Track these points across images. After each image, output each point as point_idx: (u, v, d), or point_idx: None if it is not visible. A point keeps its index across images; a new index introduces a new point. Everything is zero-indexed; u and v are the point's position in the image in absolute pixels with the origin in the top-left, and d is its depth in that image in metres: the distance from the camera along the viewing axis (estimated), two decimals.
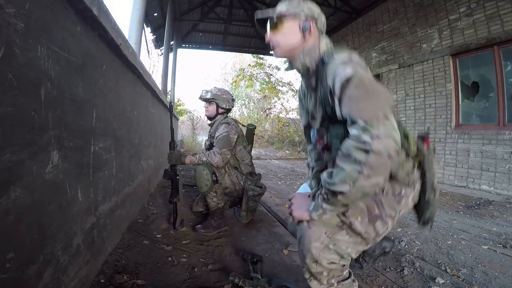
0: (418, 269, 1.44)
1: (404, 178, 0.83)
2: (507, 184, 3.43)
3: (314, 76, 0.91)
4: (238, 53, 15.99)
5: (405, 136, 0.83)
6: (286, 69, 1.00)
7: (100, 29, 1.03)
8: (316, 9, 0.95)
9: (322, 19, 0.96)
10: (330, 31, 7.38)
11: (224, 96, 1.95)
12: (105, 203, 1.19)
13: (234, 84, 13.40)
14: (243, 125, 2.12)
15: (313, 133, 1.00)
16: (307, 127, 1.07)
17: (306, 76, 0.95)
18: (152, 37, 7.48)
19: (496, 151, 3.55)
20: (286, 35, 0.92)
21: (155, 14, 6.58)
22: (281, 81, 13.02)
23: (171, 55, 7.01)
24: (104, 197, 1.18)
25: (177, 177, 1.81)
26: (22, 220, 0.62)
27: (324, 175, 0.74)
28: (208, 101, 1.95)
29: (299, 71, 0.96)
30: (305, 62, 0.91)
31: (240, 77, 12.78)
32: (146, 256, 1.38)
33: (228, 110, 2.01)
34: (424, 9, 4.56)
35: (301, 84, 1.07)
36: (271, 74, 12.85)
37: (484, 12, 3.66)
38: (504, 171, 3.47)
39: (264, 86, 12.82)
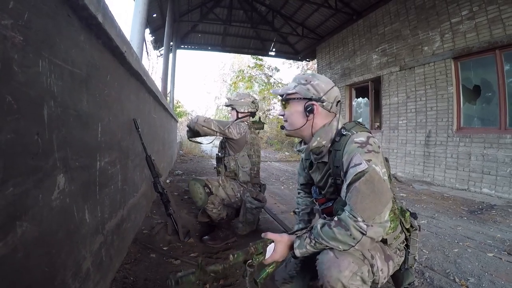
0: (428, 280, 1.43)
1: (396, 246, 0.97)
2: (508, 188, 3.43)
3: (327, 153, 0.94)
4: (236, 54, 15.94)
5: (401, 212, 0.99)
6: (298, 151, 1.01)
7: (104, 37, 0.97)
8: (324, 87, 0.93)
9: (332, 96, 0.94)
10: (331, 33, 7.36)
11: (242, 100, 1.99)
12: (111, 219, 1.14)
13: (233, 85, 13.36)
14: None
15: (314, 190, 1.07)
16: (304, 184, 1.22)
17: (318, 153, 0.97)
18: (151, 38, 7.41)
19: (498, 155, 3.56)
20: (293, 114, 0.95)
21: (154, 15, 6.51)
22: (280, 82, 13.00)
23: (170, 56, 6.92)
24: (111, 213, 1.13)
25: (164, 190, 1.80)
26: (31, 255, 0.57)
27: (318, 228, 0.83)
28: (230, 107, 2.04)
29: (312, 151, 0.97)
30: (321, 142, 0.92)
31: (239, 78, 12.73)
32: (155, 271, 1.34)
33: (251, 113, 2.03)
34: (425, 12, 4.54)
35: (307, 154, 1.10)
36: (270, 76, 12.84)
37: (486, 15, 3.65)
38: (506, 174, 3.47)
39: (263, 87, 12.79)
